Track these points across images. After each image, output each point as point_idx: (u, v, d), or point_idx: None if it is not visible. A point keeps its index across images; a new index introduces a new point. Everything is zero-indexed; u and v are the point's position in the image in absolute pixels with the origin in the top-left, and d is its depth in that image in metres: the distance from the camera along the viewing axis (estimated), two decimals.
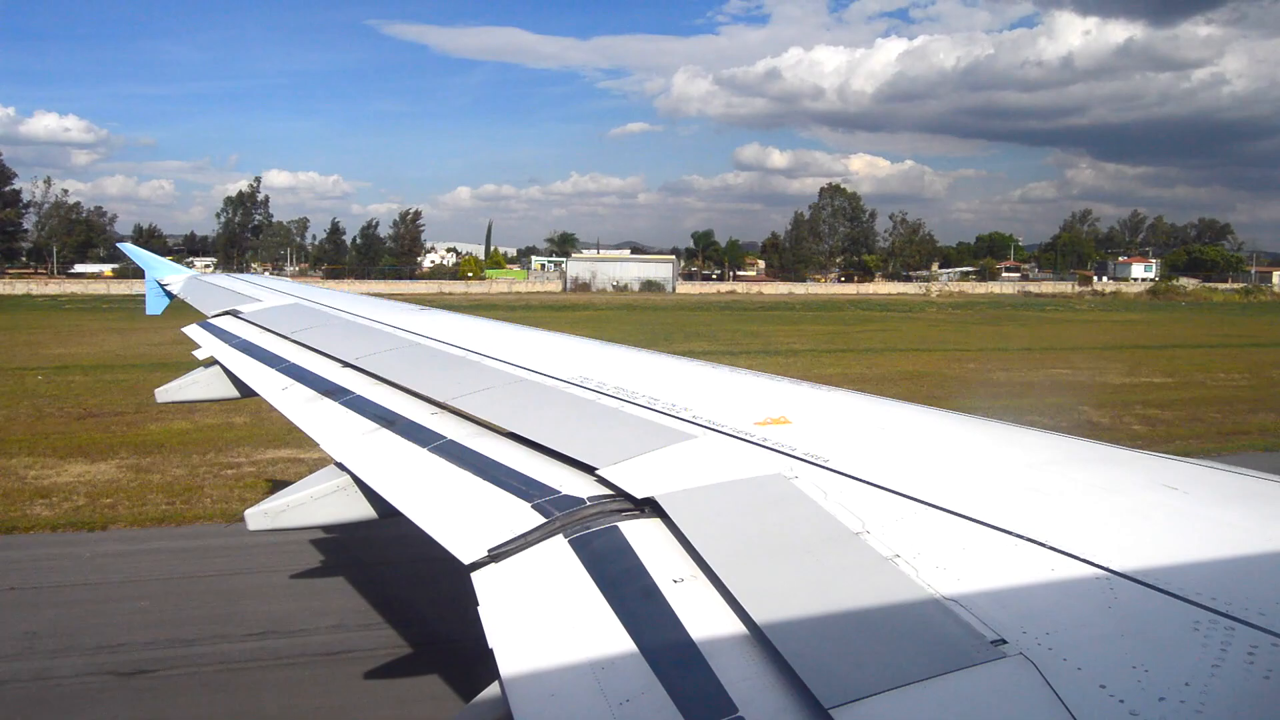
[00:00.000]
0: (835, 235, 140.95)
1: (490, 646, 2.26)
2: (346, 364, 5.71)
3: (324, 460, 4.21)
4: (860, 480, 2.74)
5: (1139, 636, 1.85)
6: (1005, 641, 1.87)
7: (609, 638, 2.19)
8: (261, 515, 3.93)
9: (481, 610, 2.44)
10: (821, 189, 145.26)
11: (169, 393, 7.53)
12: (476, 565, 2.70)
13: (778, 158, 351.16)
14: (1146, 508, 2.48)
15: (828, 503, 2.61)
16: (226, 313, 8.59)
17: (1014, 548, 2.23)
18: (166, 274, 12.25)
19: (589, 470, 3.15)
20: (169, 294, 11.58)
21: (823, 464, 2.90)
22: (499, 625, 2.36)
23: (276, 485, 14.66)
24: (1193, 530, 2.33)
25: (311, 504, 3.95)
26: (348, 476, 3.93)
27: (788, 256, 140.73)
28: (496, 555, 2.72)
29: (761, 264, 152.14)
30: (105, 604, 11.10)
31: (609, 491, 2.95)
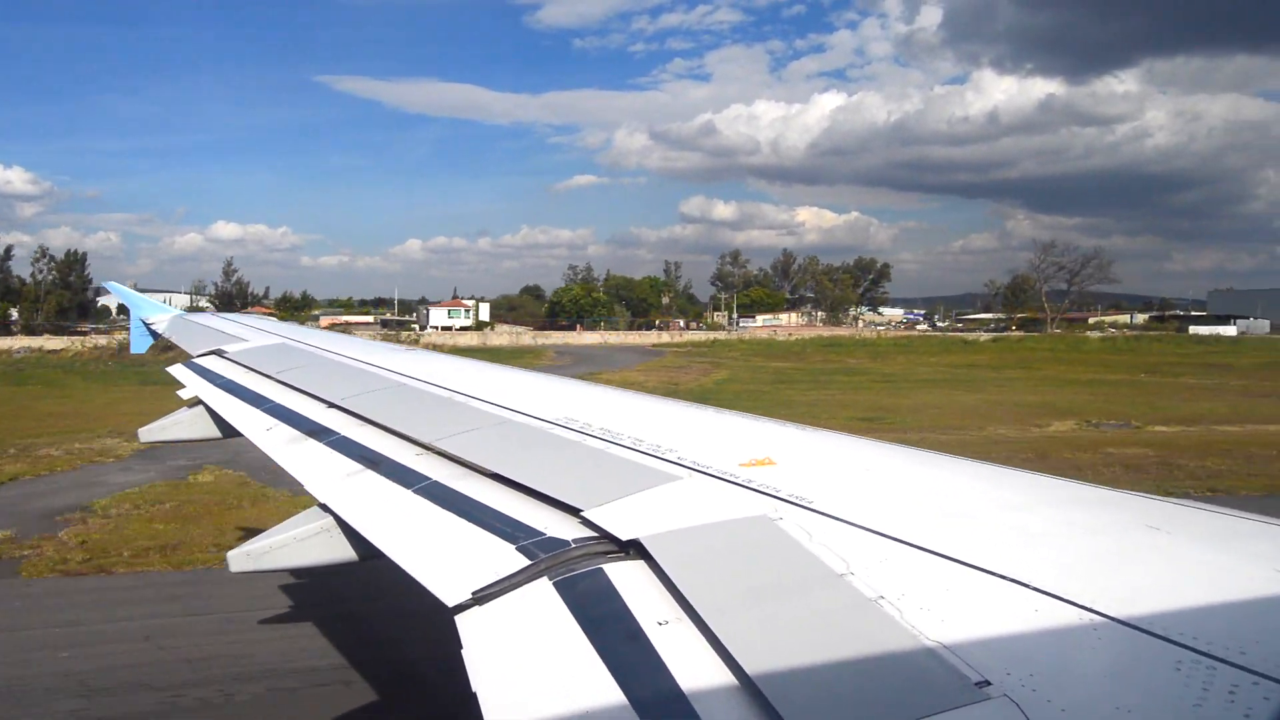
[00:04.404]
0: None
1: (474, 690, 2.24)
2: (331, 404, 5.69)
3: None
4: (844, 521, 2.74)
5: (1123, 677, 1.85)
6: (989, 683, 1.87)
7: (594, 681, 2.18)
8: (244, 557, 3.89)
9: (465, 653, 2.42)
10: None
11: (152, 433, 7.47)
12: (461, 608, 2.69)
13: (723, 209, 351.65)
14: (1129, 548, 2.50)
15: (812, 544, 2.61)
16: (212, 352, 8.55)
17: (997, 589, 2.23)
18: (152, 313, 12.21)
19: (574, 512, 3.14)
20: (153, 333, 11.54)
21: (807, 505, 2.90)
22: (483, 668, 2.34)
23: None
24: (1175, 570, 2.34)
25: (295, 545, 3.91)
26: (331, 518, 3.91)
27: None
28: (481, 598, 2.70)
29: None
30: None
31: (594, 533, 2.94)
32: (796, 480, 3.16)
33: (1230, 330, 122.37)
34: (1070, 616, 2.07)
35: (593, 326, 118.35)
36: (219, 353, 8.48)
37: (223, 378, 7.47)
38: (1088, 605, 2.09)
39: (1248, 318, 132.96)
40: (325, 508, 3.97)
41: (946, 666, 1.95)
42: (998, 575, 2.29)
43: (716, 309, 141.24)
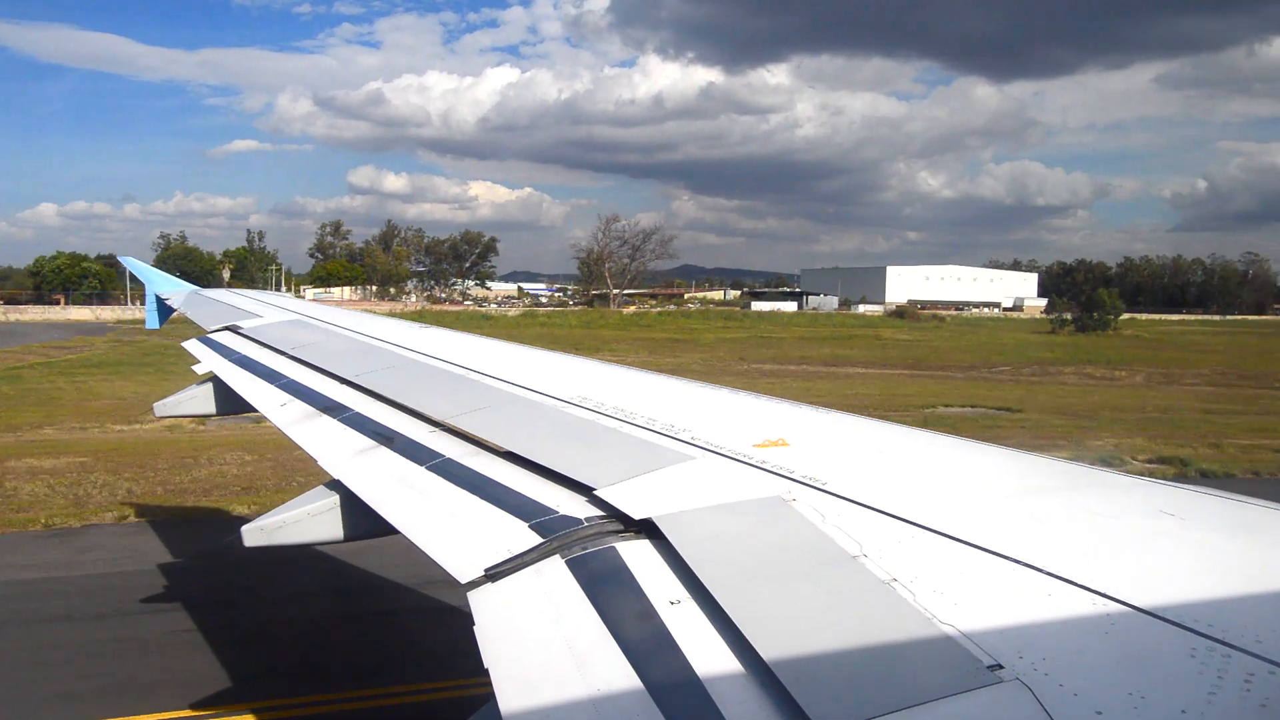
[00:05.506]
0: None
1: (486, 666, 2.26)
2: (346, 381, 5.71)
3: None
4: (858, 503, 2.74)
5: (1136, 663, 1.85)
6: (1002, 667, 1.87)
7: (605, 660, 2.19)
8: (257, 531, 3.93)
9: (478, 630, 2.43)
10: None
11: (167, 407, 7.54)
12: (473, 584, 2.70)
13: (394, 181, 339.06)
14: (1144, 534, 2.48)
15: (825, 526, 2.61)
16: (226, 328, 8.60)
17: (1011, 573, 2.23)
18: (166, 289, 12.27)
19: (587, 491, 3.14)
20: (167, 308, 11.60)
21: (821, 487, 2.90)
22: (495, 645, 2.35)
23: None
24: (1190, 557, 2.33)
25: (308, 520, 3.94)
26: (341, 495, 3.93)
27: None
28: (493, 575, 2.72)
29: None
30: None
31: (606, 512, 2.95)
32: (810, 461, 3.16)
33: (791, 306, 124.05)
34: (1084, 601, 2.06)
35: (86, 300, 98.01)
36: (234, 329, 8.52)
37: (237, 353, 7.51)
38: (1101, 590, 2.08)
39: (820, 294, 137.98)
40: (338, 484, 3.99)
41: (959, 649, 1.95)
42: (1011, 559, 2.28)
43: (306, 283, 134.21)
